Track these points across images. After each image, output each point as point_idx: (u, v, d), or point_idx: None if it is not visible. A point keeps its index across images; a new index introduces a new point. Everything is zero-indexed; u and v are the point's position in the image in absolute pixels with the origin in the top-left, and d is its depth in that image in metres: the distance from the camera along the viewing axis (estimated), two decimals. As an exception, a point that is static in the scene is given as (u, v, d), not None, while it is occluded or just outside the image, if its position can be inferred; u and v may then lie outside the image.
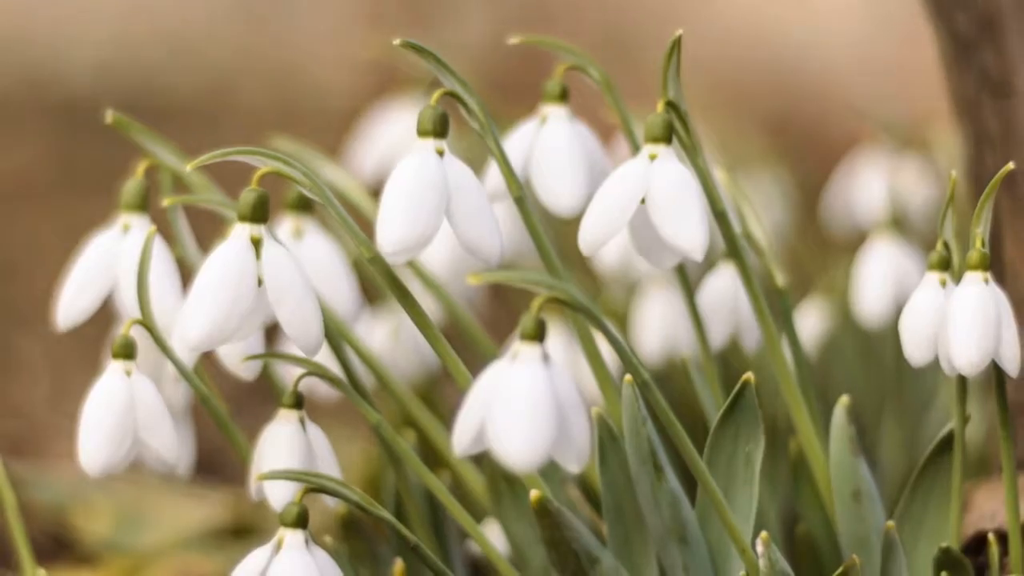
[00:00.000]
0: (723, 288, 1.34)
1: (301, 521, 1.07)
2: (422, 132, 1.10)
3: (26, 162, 3.52)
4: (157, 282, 1.16)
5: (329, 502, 1.13)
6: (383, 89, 1.88)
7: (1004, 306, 1.10)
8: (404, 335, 1.56)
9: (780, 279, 1.24)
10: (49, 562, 1.67)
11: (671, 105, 1.12)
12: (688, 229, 1.09)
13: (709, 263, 1.39)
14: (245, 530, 1.73)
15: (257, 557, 1.07)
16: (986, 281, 1.10)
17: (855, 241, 1.79)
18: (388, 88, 1.79)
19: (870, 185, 1.84)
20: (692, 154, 1.13)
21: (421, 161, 1.09)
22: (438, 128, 1.10)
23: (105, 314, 1.25)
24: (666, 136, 1.11)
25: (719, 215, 1.15)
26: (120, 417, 1.12)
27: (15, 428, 2.16)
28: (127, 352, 1.13)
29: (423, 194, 1.08)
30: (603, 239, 1.10)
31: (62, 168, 3.45)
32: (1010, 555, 1.14)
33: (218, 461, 1.81)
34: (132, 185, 1.20)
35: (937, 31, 1.36)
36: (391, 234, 1.07)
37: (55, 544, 1.78)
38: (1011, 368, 1.10)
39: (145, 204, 1.20)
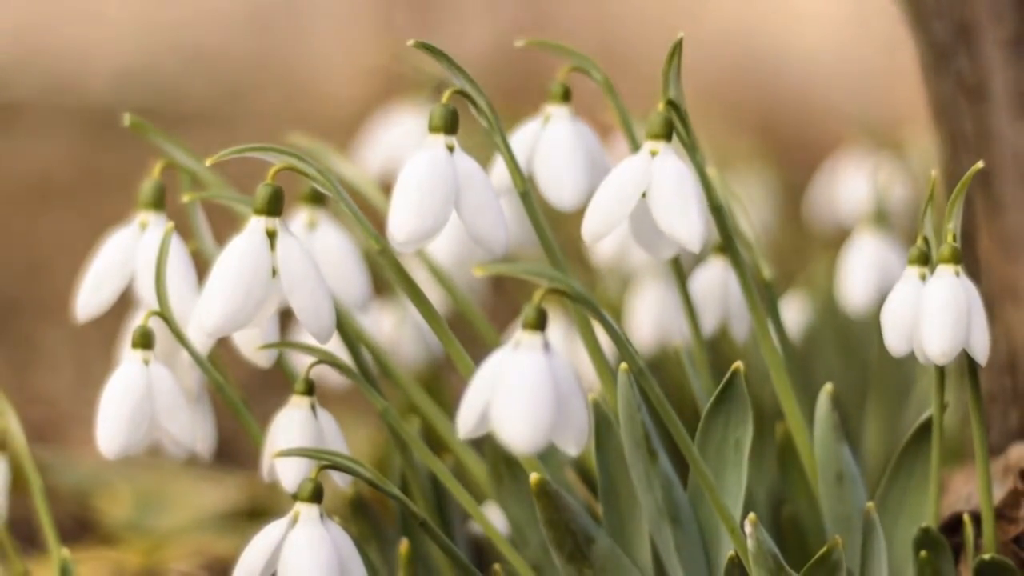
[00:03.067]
0: (713, 279, 1.34)
1: (316, 496, 1.07)
2: (433, 128, 1.09)
3: (50, 164, 3.51)
4: (174, 275, 1.16)
5: (339, 481, 1.12)
6: (388, 94, 1.88)
7: (974, 298, 1.09)
8: (409, 325, 1.55)
9: (767, 272, 1.24)
10: (73, 542, 1.66)
11: (671, 104, 1.12)
12: (686, 222, 1.09)
13: (698, 255, 1.39)
14: (259, 512, 1.73)
15: (274, 530, 1.06)
16: (957, 274, 1.09)
17: (836, 237, 1.79)
18: (392, 93, 1.79)
19: (851, 184, 1.85)
20: (691, 151, 1.13)
21: (432, 156, 1.08)
22: (448, 125, 1.09)
23: (124, 307, 1.25)
24: (666, 133, 1.11)
25: (715, 209, 1.15)
26: (137, 403, 1.12)
27: (40, 416, 2.16)
28: (145, 342, 1.13)
29: (434, 187, 1.07)
30: (606, 230, 1.10)
31: (84, 169, 3.45)
32: (983, 535, 1.14)
33: (233, 447, 1.80)
34: (149, 184, 1.19)
35: (915, 39, 1.36)
36: (403, 225, 1.07)
37: (78, 526, 1.78)
38: (980, 357, 1.09)
39: (161, 202, 1.19)
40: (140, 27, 4.19)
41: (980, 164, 1.13)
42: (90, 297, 1.19)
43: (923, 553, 1.12)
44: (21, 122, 3.77)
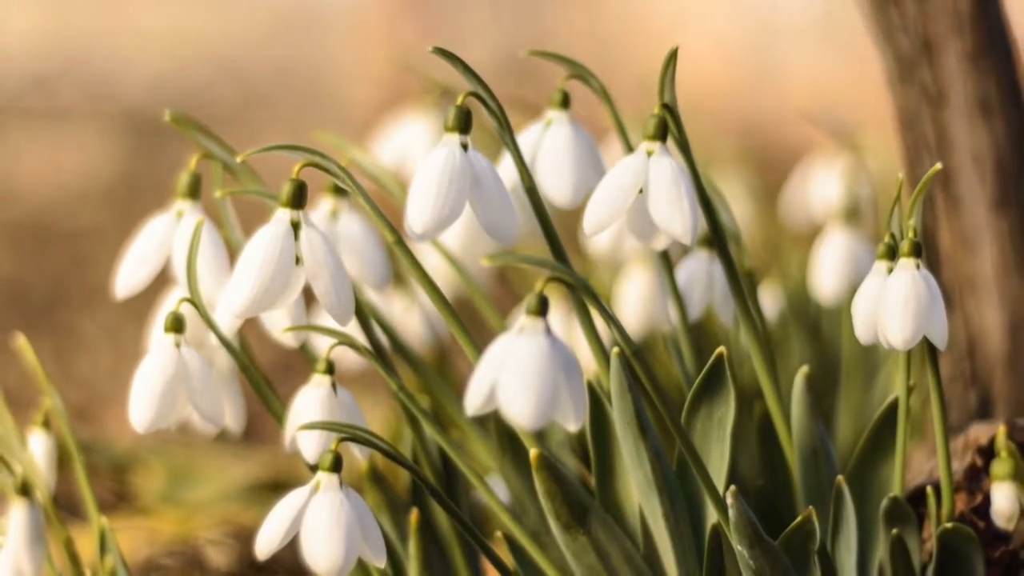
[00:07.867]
0: (699, 269, 1.34)
1: (336, 466, 1.06)
2: (449, 128, 1.09)
3: (89, 164, 3.51)
4: (208, 262, 1.16)
5: (357, 453, 1.12)
6: (398, 100, 1.88)
7: (934, 289, 1.09)
8: (416, 311, 1.55)
9: (747, 263, 1.24)
10: (111, 513, 1.67)
11: (666, 107, 1.11)
12: (680, 217, 1.09)
13: (684, 247, 1.39)
14: (282, 485, 1.73)
15: (297, 496, 1.06)
16: (917, 267, 1.09)
17: (808, 233, 1.79)
18: (402, 100, 1.79)
19: (822, 185, 1.85)
20: (684, 151, 1.13)
21: (448, 153, 1.08)
22: (462, 124, 1.09)
23: (157, 298, 1.24)
24: (662, 135, 1.11)
25: (705, 205, 1.15)
26: (167, 382, 1.11)
27: (81, 398, 2.16)
28: (177, 327, 1.13)
29: (449, 182, 1.07)
30: (605, 223, 1.10)
31: (121, 170, 3.45)
32: (943, 506, 1.14)
33: (258, 425, 1.80)
34: (186, 176, 1.19)
35: (882, 52, 1.36)
36: (420, 216, 1.06)
37: (116, 498, 1.78)
38: (939, 343, 1.09)
39: (197, 193, 1.19)
40: (172, 38, 4.19)
41: (939, 166, 1.13)
42: (128, 277, 1.19)
43: (895, 532, 1.12)
44: (64, 126, 3.77)
